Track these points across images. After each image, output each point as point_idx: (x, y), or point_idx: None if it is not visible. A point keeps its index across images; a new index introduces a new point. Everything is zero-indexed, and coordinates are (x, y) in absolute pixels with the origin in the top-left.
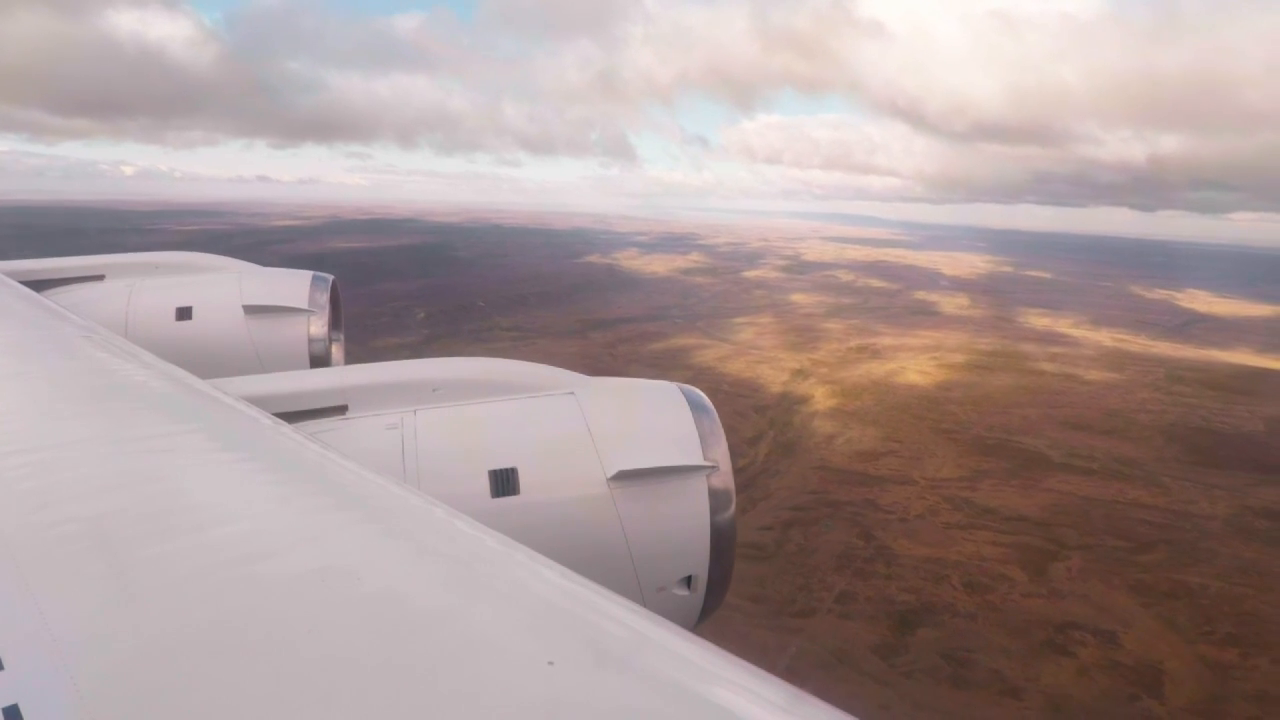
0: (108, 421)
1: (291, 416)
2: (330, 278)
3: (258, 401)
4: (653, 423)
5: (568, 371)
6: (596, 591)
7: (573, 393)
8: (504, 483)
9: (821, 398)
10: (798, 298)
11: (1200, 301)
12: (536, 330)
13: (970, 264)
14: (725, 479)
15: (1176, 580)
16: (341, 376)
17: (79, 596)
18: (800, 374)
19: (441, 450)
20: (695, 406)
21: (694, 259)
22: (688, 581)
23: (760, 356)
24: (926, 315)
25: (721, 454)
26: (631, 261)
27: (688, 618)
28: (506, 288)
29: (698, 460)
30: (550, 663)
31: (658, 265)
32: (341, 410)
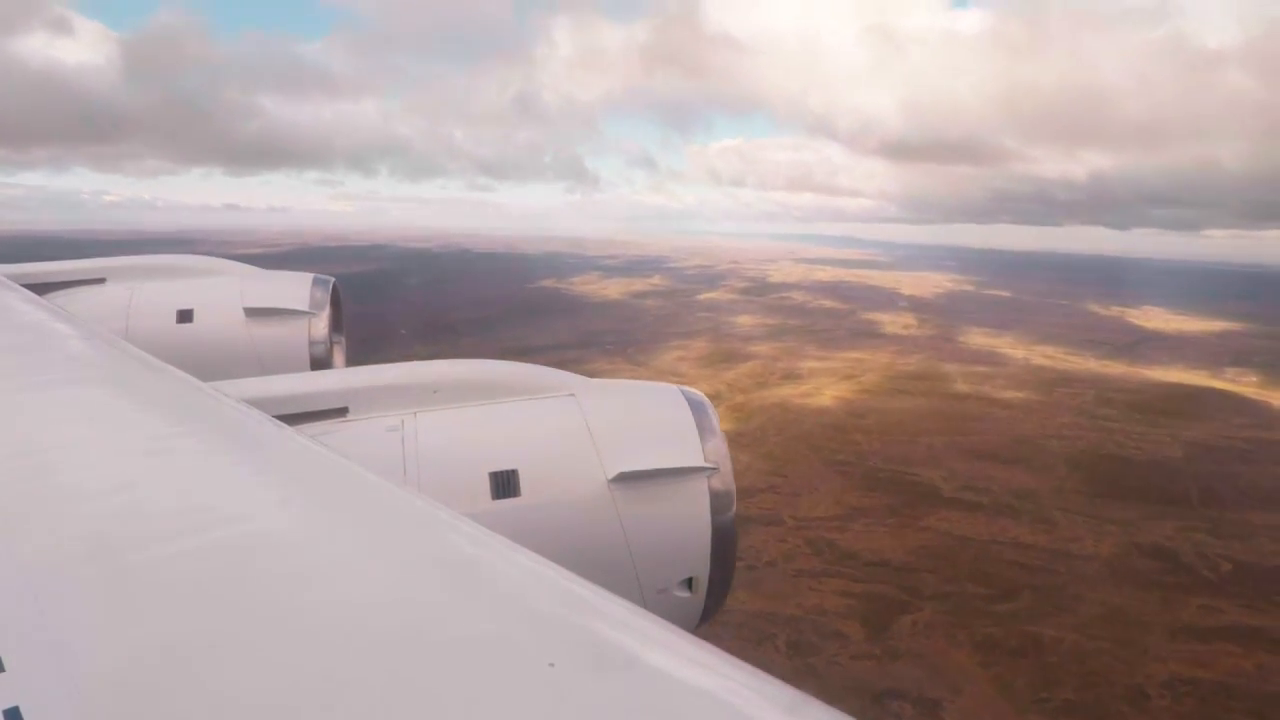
0: (109, 423)
1: (292, 419)
2: (331, 279)
3: (258, 404)
4: (653, 424)
5: (568, 373)
6: (597, 593)
7: (573, 394)
8: (504, 484)
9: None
10: (743, 319)
11: (1155, 319)
12: (451, 359)
13: (934, 283)
14: (726, 480)
15: (1030, 633)
16: (342, 379)
17: (79, 599)
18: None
19: (442, 452)
20: (696, 408)
21: (654, 282)
22: (689, 584)
23: (674, 382)
24: (867, 336)
25: (722, 455)
26: (588, 285)
27: (689, 620)
28: (439, 315)
29: (698, 462)
30: (551, 664)
31: (613, 289)
32: (342, 412)
